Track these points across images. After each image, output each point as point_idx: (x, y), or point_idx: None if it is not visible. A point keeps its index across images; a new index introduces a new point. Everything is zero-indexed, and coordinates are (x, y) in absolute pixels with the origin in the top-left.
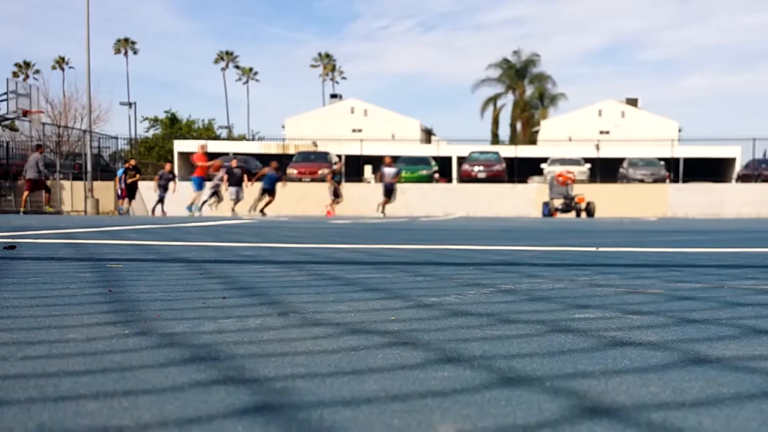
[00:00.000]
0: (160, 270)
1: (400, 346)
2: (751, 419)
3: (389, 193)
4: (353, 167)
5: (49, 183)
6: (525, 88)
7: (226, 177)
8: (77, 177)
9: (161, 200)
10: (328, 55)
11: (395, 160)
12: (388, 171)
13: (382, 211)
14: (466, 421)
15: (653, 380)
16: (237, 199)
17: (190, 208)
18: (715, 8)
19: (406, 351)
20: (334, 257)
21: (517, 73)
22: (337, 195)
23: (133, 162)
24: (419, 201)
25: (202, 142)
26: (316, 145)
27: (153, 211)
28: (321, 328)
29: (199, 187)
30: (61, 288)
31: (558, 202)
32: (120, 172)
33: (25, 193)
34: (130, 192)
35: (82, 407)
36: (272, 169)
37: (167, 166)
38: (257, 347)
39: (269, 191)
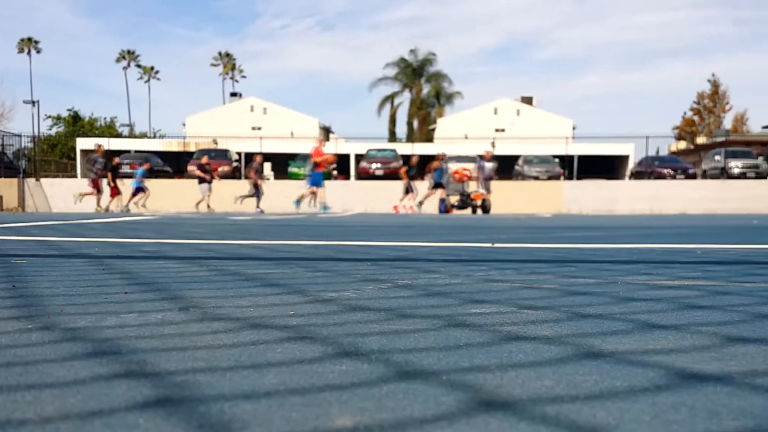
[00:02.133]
0: (63, 265)
1: (299, 340)
2: (644, 413)
3: (488, 187)
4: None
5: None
6: (422, 87)
7: (200, 173)
8: None
9: (258, 196)
10: (228, 54)
11: (293, 157)
12: (489, 165)
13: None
14: (364, 414)
15: (548, 374)
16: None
17: (297, 202)
18: (610, 7)
19: (305, 345)
20: (234, 253)
21: (413, 71)
22: (409, 190)
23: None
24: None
25: (320, 136)
26: (216, 143)
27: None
28: (221, 322)
29: (319, 183)
30: None
31: (454, 199)
32: (141, 172)
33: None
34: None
35: None
36: (441, 162)
37: (258, 158)
38: (158, 342)
39: (439, 185)
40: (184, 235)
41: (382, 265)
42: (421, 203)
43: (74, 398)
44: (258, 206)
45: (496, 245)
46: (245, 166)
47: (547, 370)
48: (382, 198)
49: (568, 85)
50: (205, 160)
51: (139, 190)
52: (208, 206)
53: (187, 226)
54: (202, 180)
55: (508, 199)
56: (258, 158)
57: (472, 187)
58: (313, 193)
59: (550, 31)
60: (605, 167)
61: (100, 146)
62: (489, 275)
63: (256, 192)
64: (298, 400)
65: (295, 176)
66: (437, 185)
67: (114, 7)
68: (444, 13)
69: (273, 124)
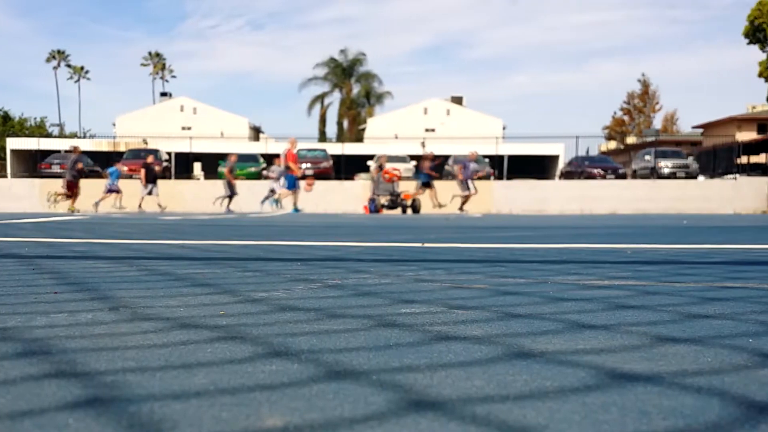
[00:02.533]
0: None
1: (229, 340)
2: (574, 413)
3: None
4: (182, 165)
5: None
6: (352, 87)
7: (143, 173)
8: None
9: (231, 196)
10: (158, 54)
11: (223, 157)
12: (473, 166)
13: (461, 208)
14: (294, 414)
15: (478, 374)
16: (151, 194)
17: (296, 209)
18: (542, 7)
19: (235, 345)
20: (164, 253)
21: (344, 71)
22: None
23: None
24: (248, 197)
25: (292, 137)
26: (146, 143)
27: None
28: (151, 322)
29: (293, 185)
30: None
31: (384, 199)
32: (112, 170)
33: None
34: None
35: None
36: (431, 162)
37: (233, 157)
38: (88, 341)
39: (428, 185)
40: (114, 235)
41: (312, 265)
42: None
43: (4, 398)
44: (228, 207)
45: (427, 245)
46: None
47: (478, 370)
48: (312, 198)
49: (499, 85)
50: (150, 159)
51: (112, 190)
52: (140, 206)
53: (117, 226)
54: (148, 180)
55: (438, 198)
56: (233, 157)
57: (402, 186)
58: (273, 192)
59: (482, 31)
60: (535, 167)
61: (76, 147)
62: (419, 275)
63: (231, 192)
64: (229, 400)
65: (224, 176)
66: (426, 185)
67: (45, 7)
68: (375, 13)
69: (203, 124)
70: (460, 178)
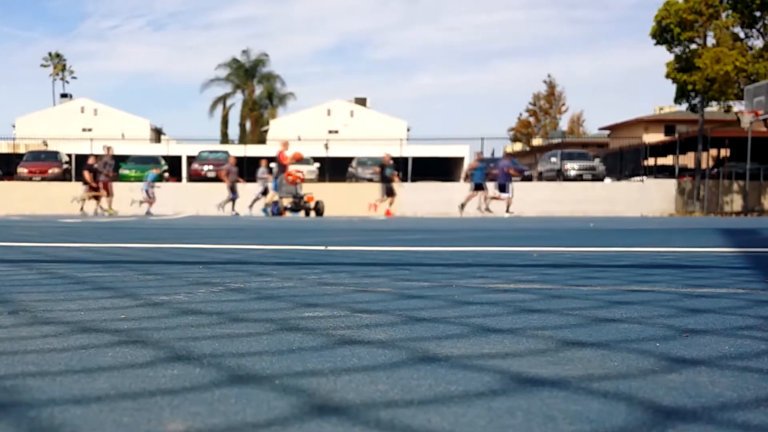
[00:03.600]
0: None
1: (130, 344)
2: (479, 417)
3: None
4: (83, 166)
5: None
6: (254, 88)
7: (91, 176)
8: None
9: (233, 198)
10: (58, 55)
11: (125, 159)
12: (505, 163)
13: (489, 208)
14: (196, 418)
15: (382, 378)
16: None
17: (266, 210)
18: (444, 7)
19: (136, 349)
20: (65, 256)
21: (246, 72)
22: (390, 193)
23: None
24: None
25: (284, 139)
26: (46, 145)
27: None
28: (51, 326)
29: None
30: None
31: (287, 201)
32: (152, 176)
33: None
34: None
35: None
36: (479, 162)
37: (231, 159)
38: None
39: (480, 186)
40: (13, 238)
41: (213, 269)
42: (462, 205)
43: None
44: (233, 209)
45: (330, 248)
46: (81, 168)
47: (382, 374)
48: (215, 200)
49: (403, 86)
50: (92, 161)
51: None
52: (102, 208)
53: (17, 228)
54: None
55: (342, 201)
56: (231, 159)
57: (305, 189)
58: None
59: (385, 31)
60: (440, 169)
61: (110, 148)
62: (322, 278)
63: (232, 195)
64: (130, 405)
65: (126, 178)
66: (478, 186)
67: None
68: (278, 13)
69: (104, 125)
70: (516, 175)
